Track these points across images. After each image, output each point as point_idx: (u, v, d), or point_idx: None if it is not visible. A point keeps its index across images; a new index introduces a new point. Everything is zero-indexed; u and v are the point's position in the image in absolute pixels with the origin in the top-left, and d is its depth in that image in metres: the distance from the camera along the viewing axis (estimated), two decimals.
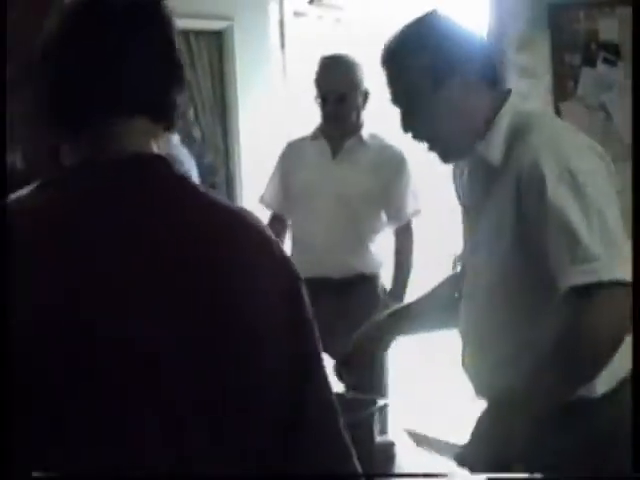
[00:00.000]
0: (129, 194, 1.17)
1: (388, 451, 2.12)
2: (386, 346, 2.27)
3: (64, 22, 1.23)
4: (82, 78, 1.20)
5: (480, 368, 1.91)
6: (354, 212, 3.51)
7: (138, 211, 1.16)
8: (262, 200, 3.68)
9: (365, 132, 3.59)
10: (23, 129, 3.11)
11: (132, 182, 1.18)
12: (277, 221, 3.62)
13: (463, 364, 1.99)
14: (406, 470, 2.11)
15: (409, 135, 1.93)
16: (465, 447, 1.71)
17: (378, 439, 2.12)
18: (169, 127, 1.28)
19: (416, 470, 2.10)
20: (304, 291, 1.29)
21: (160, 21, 1.24)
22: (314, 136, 3.63)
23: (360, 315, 3.53)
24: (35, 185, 1.20)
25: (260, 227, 1.26)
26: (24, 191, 1.18)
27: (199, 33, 4.57)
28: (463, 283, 2.01)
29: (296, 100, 4.91)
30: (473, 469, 1.69)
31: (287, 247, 3.51)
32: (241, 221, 1.24)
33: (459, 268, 2.14)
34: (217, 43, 4.59)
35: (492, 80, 1.91)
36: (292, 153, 3.69)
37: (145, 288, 1.12)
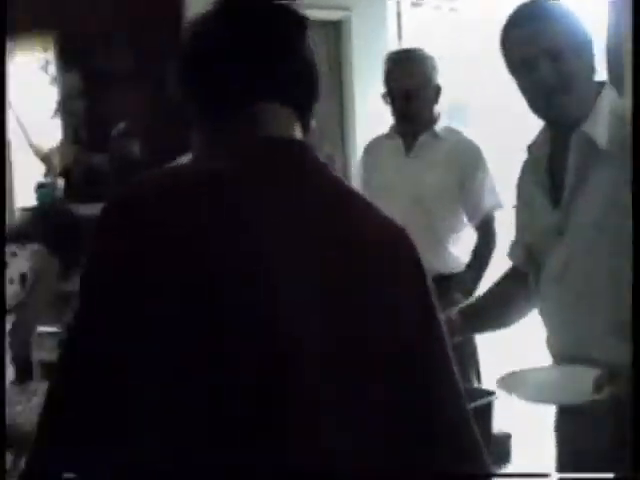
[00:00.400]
0: (282, 175, 1.20)
1: (505, 444, 2.10)
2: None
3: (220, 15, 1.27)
4: (239, 69, 1.24)
5: (574, 350, 1.90)
6: (429, 210, 3.41)
7: (292, 192, 1.18)
8: None
9: (440, 126, 3.48)
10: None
11: (283, 164, 1.21)
12: None
13: (548, 345, 2.00)
14: None
15: None
16: None
17: (495, 431, 2.10)
18: (309, 119, 1.32)
19: None
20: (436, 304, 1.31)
21: (302, 25, 1.29)
22: (389, 135, 3.56)
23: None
24: (190, 161, 1.29)
25: (390, 220, 1.31)
26: (181, 162, 1.23)
27: (317, 23, 4.57)
28: (543, 269, 2.00)
29: None
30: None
31: None
32: (376, 210, 1.28)
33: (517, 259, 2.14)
34: (335, 33, 4.59)
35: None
36: (369, 153, 3.64)
37: (296, 268, 1.14)
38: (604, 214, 1.84)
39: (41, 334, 5.60)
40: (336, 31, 4.52)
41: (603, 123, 1.86)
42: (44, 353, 5.60)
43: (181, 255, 1.09)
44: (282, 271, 1.13)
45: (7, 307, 3.48)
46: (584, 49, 1.91)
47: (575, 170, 1.91)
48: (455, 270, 3.49)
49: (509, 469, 2.10)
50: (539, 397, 1.89)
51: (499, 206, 3.50)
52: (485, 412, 2.05)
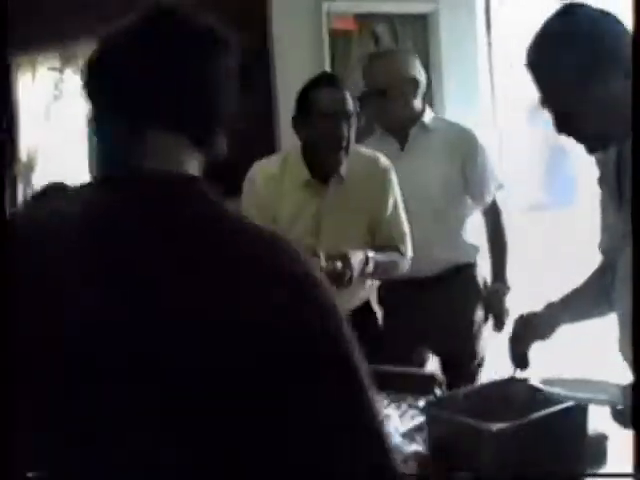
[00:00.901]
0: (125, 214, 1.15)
1: (601, 444, 2.03)
2: (544, 336, 2.21)
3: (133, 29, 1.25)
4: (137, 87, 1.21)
5: None
6: (436, 202, 3.35)
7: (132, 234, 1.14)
8: None
9: (427, 117, 3.44)
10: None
11: (154, 198, 1.16)
12: None
13: (621, 348, 1.99)
14: None
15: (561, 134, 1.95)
16: None
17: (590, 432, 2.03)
18: (210, 152, 1.27)
19: None
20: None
21: (223, 51, 1.25)
22: (380, 134, 3.51)
23: (461, 306, 3.44)
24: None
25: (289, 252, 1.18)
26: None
27: (404, 17, 4.50)
28: (617, 267, 1.99)
29: (503, 84, 4.78)
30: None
31: None
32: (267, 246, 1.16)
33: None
34: (422, 26, 4.51)
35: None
36: None
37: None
38: None
39: None
40: (423, 25, 4.43)
41: None
42: None
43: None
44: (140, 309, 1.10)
45: None
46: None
47: (627, 174, 1.88)
48: (472, 258, 3.45)
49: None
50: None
51: (502, 187, 3.49)
52: (581, 413, 1.99)
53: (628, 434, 1.84)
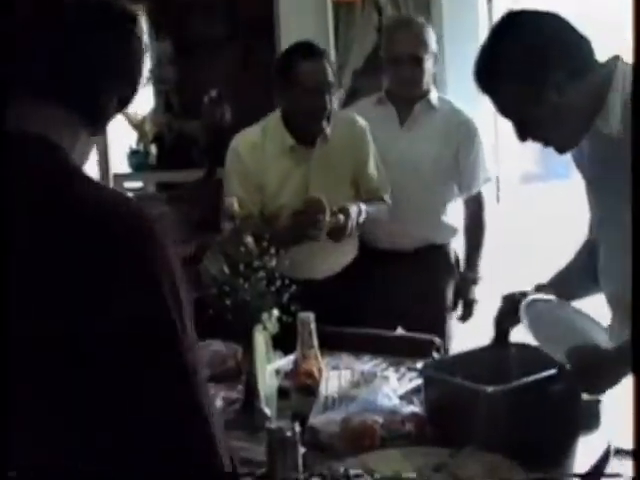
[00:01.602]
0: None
1: (593, 408, 2.07)
2: None
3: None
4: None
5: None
6: (425, 182, 3.39)
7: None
8: None
9: (434, 95, 3.45)
10: None
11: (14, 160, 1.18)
12: None
13: (611, 330, 2.04)
14: None
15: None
16: None
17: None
18: (93, 125, 1.30)
19: None
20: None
21: (114, 26, 1.28)
22: (379, 100, 3.50)
23: (433, 283, 3.49)
24: None
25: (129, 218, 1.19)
26: None
27: None
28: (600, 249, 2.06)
29: None
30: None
31: None
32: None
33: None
34: (425, 10, 4.47)
35: (593, 60, 1.93)
36: None
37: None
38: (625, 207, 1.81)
39: None
40: (426, 9, 4.40)
41: (616, 114, 1.86)
42: None
43: None
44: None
45: None
46: None
47: (596, 162, 1.97)
48: (448, 240, 3.52)
49: (598, 434, 2.06)
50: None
51: (490, 180, 3.55)
52: None
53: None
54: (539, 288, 2.19)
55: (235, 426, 2.20)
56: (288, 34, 4.34)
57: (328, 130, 3.12)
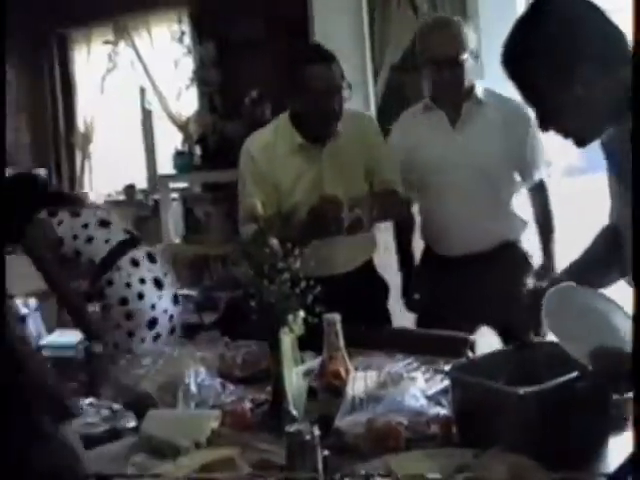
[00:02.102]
0: None
1: (621, 408, 2.03)
2: None
3: None
4: None
5: None
6: (491, 179, 3.32)
7: None
8: None
9: (479, 90, 3.35)
10: None
11: None
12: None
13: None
14: None
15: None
16: None
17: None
18: None
19: None
20: None
21: None
22: (426, 106, 3.41)
23: (511, 282, 3.40)
24: None
25: None
26: None
27: None
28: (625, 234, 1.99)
29: None
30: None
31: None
32: None
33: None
34: None
35: (628, 55, 1.83)
36: (403, 130, 3.48)
37: None
38: None
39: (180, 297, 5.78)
40: (462, 3, 4.34)
41: None
42: (184, 314, 5.78)
43: None
44: None
45: None
46: None
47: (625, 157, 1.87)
48: (519, 234, 3.44)
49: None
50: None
51: (550, 164, 3.47)
52: None
53: None
54: (554, 281, 2.13)
55: (262, 428, 2.20)
56: (324, 33, 4.34)
57: (339, 127, 3.13)
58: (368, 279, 3.36)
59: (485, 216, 3.33)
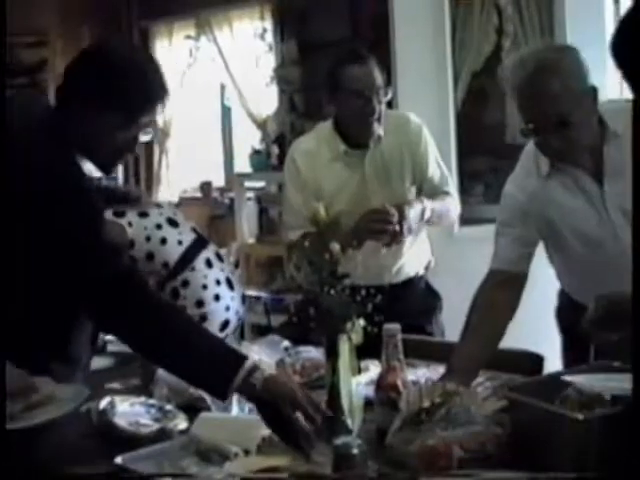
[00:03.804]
0: None
1: None
2: None
3: None
4: None
5: None
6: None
7: None
8: None
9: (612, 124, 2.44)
10: None
11: None
12: None
13: None
14: None
15: None
16: None
17: None
18: None
19: None
20: None
21: None
22: (560, 168, 2.92)
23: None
24: None
25: None
26: None
27: None
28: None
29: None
30: None
31: None
32: None
33: None
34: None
35: None
36: None
37: None
38: None
39: (250, 298, 5.77)
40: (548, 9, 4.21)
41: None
42: (254, 316, 5.79)
43: None
44: None
45: None
46: None
47: None
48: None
49: None
50: None
51: None
52: None
53: None
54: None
55: (317, 437, 2.15)
56: (406, 34, 4.28)
57: (381, 131, 3.09)
58: (420, 291, 3.33)
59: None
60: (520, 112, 2.45)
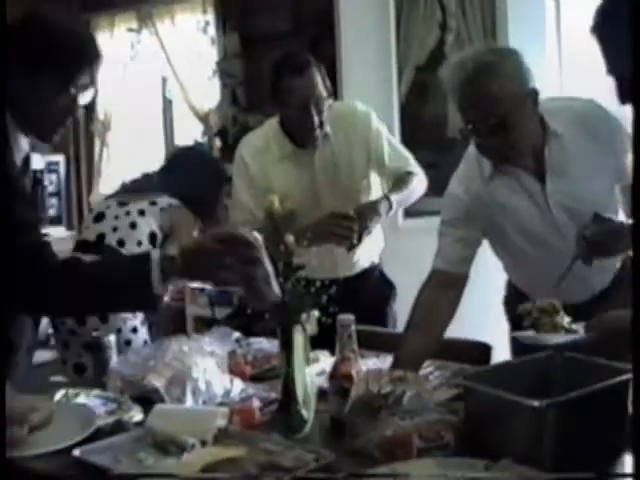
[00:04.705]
0: None
1: None
2: None
3: None
4: None
5: None
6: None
7: None
8: None
9: (553, 123, 2.50)
10: None
11: None
12: None
13: None
14: None
15: None
16: None
17: None
18: None
19: None
20: None
21: None
22: (501, 170, 3.09)
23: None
24: None
25: None
26: None
27: None
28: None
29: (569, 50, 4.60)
30: None
31: None
32: None
33: None
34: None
35: None
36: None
37: None
38: None
39: (193, 290, 5.76)
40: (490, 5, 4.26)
41: None
42: (197, 308, 5.78)
43: None
44: None
45: None
46: None
47: None
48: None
49: None
50: None
51: None
52: (622, 389, 1.94)
53: None
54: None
55: (272, 428, 2.16)
56: (350, 29, 4.30)
57: (327, 129, 3.11)
58: (375, 281, 3.36)
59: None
60: (459, 113, 2.50)
